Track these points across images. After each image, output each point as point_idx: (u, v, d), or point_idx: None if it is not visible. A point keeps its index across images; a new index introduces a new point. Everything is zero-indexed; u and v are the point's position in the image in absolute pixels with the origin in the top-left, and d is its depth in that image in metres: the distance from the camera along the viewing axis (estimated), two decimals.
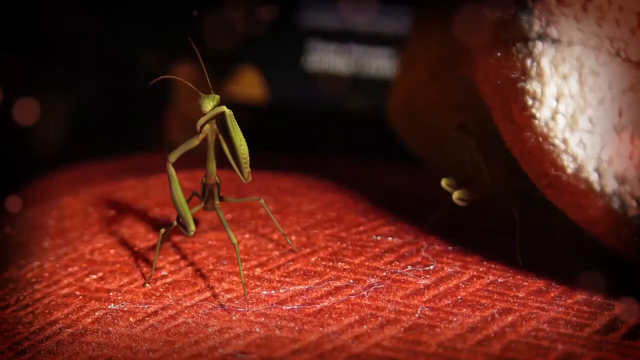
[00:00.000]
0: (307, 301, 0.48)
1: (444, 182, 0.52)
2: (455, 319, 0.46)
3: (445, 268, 0.51)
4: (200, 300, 0.48)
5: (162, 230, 0.51)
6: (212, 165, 0.51)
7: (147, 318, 0.47)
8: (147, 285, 0.50)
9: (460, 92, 0.63)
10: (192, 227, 0.50)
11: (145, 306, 0.48)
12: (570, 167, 0.45)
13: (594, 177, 0.45)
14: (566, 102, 0.46)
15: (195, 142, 0.49)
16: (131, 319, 0.47)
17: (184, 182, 0.52)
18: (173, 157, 0.50)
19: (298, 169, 0.71)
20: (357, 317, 0.46)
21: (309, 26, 0.97)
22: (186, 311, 0.47)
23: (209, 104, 0.49)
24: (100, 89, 1.03)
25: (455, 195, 0.51)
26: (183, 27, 1.00)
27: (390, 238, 0.55)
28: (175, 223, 0.51)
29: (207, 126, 0.49)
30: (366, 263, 0.52)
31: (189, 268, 0.52)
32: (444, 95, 0.65)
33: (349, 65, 0.96)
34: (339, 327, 0.45)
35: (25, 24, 0.96)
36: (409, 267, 0.51)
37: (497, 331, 0.45)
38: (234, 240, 0.48)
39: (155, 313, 0.47)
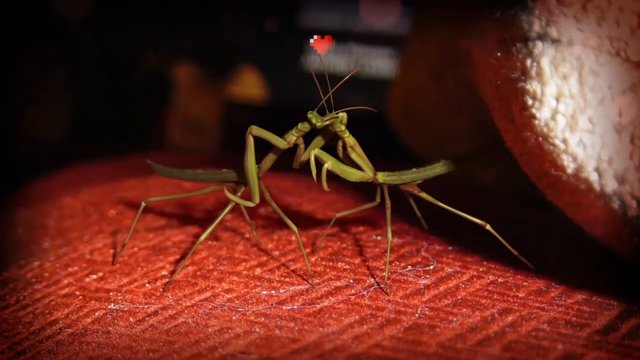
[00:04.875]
0: (307, 301, 0.48)
1: (313, 153, 0.51)
2: (455, 319, 0.46)
3: (445, 268, 0.51)
4: (200, 300, 0.48)
5: (201, 238, 0.51)
6: (270, 163, 0.52)
7: (147, 318, 0.47)
8: (147, 285, 0.50)
9: (460, 92, 0.63)
10: (257, 199, 0.52)
11: (145, 306, 0.48)
12: (570, 167, 0.45)
13: (594, 177, 0.45)
14: (566, 102, 0.45)
15: (282, 144, 0.50)
16: (131, 319, 0.47)
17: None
18: (257, 130, 0.50)
19: (298, 168, 0.70)
20: (357, 317, 0.46)
21: (309, 26, 0.96)
22: (186, 311, 0.47)
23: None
24: (100, 89, 1.03)
25: (328, 165, 0.50)
26: (182, 27, 1.00)
27: None
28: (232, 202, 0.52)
29: (299, 139, 0.51)
30: (366, 263, 0.52)
31: (189, 268, 0.52)
32: (444, 95, 0.65)
33: (349, 65, 0.96)
34: (339, 327, 0.45)
35: (25, 24, 0.96)
36: (409, 267, 0.51)
37: (497, 331, 0.45)
38: (295, 228, 0.50)
39: (155, 313, 0.47)
